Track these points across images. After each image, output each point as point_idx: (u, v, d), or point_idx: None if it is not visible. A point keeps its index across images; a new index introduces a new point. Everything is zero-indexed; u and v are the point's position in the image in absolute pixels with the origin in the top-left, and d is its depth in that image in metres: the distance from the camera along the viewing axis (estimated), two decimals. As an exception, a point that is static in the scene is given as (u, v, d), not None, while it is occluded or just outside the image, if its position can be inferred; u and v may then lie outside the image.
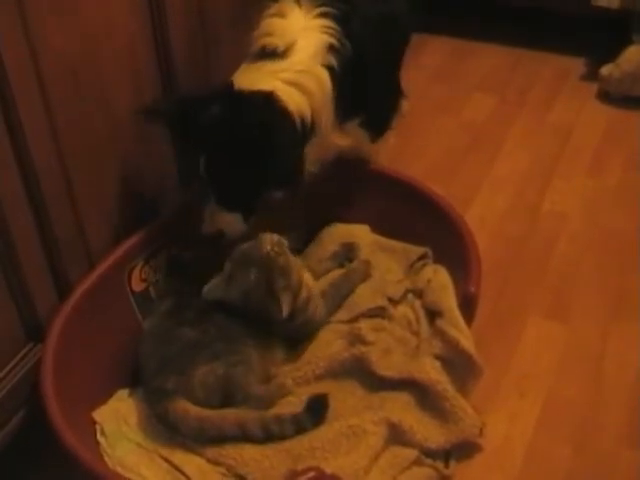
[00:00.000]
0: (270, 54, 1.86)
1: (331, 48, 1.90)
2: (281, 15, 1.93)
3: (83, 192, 1.79)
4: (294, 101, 1.83)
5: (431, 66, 3.23)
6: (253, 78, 1.83)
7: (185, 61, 2.04)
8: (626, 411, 1.91)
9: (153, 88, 1.98)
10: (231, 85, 1.82)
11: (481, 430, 1.79)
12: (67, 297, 1.79)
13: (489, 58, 3.27)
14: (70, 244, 1.79)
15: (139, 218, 1.98)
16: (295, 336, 1.94)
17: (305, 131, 1.86)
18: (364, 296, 2.05)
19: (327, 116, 1.93)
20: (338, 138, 2.02)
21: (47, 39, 1.58)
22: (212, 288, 1.86)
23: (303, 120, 1.84)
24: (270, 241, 1.84)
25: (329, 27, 1.91)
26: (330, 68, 1.90)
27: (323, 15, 1.92)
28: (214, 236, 1.89)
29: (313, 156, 1.96)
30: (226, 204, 1.87)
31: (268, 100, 1.79)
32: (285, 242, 1.86)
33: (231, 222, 1.89)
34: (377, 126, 2.19)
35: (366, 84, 2.01)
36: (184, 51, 2.03)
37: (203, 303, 1.87)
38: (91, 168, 1.81)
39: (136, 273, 1.95)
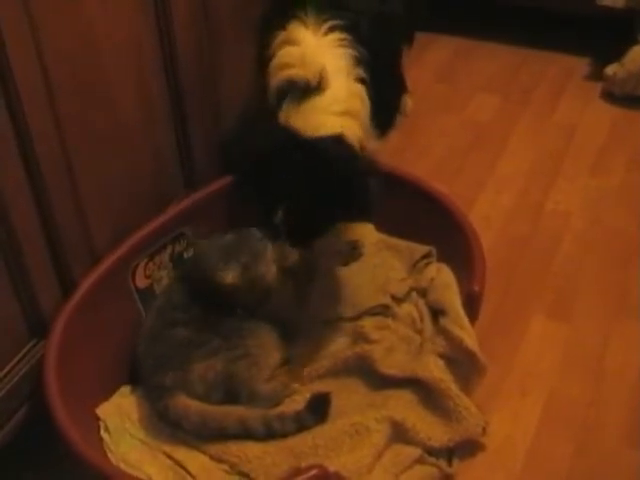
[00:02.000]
0: (305, 89, 1.83)
1: (355, 59, 1.90)
2: (293, 42, 1.91)
3: (87, 189, 1.79)
4: (354, 133, 1.84)
5: (435, 65, 3.23)
6: (311, 120, 1.81)
7: (189, 57, 2.03)
8: (628, 411, 1.91)
9: (158, 84, 1.98)
10: (297, 133, 1.80)
11: (484, 429, 1.79)
12: (71, 293, 1.79)
13: (493, 57, 3.27)
14: (74, 240, 1.79)
15: (143, 215, 1.98)
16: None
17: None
18: (368, 294, 2.06)
19: (367, 127, 1.94)
20: (374, 145, 2.04)
21: (52, 35, 1.58)
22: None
23: (361, 148, 1.86)
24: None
25: (343, 39, 1.90)
26: (362, 80, 1.90)
27: (332, 29, 1.91)
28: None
29: None
30: (298, 244, 1.88)
31: (343, 145, 1.80)
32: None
33: (296, 255, 1.93)
34: (384, 125, 2.19)
35: (375, 85, 1.99)
36: (188, 46, 2.02)
37: (193, 302, 1.88)
38: (95, 165, 1.81)
39: (140, 269, 1.95)
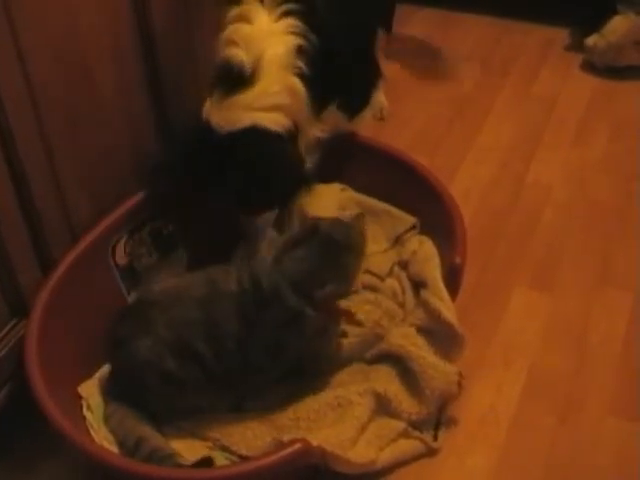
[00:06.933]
0: (237, 77, 1.84)
1: (299, 50, 1.88)
2: (246, 19, 1.90)
3: (65, 165, 1.77)
4: (274, 121, 1.85)
5: (416, 37, 3.22)
6: (229, 117, 1.84)
7: (165, 27, 2.01)
8: (610, 381, 1.92)
9: (134, 55, 1.95)
10: (210, 129, 1.85)
11: (460, 382, 1.78)
12: (51, 271, 1.78)
13: (474, 29, 3.27)
14: (53, 218, 1.77)
15: (122, 192, 1.97)
16: None
17: (291, 136, 1.89)
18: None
19: (305, 116, 1.93)
20: (318, 131, 2.01)
21: (27, 8, 1.56)
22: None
23: (285, 129, 1.87)
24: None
25: (294, 26, 1.89)
26: (301, 74, 1.88)
27: (287, 14, 1.89)
28: None
29: (304, 152, 1.98)
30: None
31: (254, 135, 1.83)
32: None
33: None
34: (354, 107, 2.18)
35: (338, 69, 1.98)
36: (164, 16, 2.00)
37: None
38: (73, 141, 1.79)
39: (120, 246, 1.94)
